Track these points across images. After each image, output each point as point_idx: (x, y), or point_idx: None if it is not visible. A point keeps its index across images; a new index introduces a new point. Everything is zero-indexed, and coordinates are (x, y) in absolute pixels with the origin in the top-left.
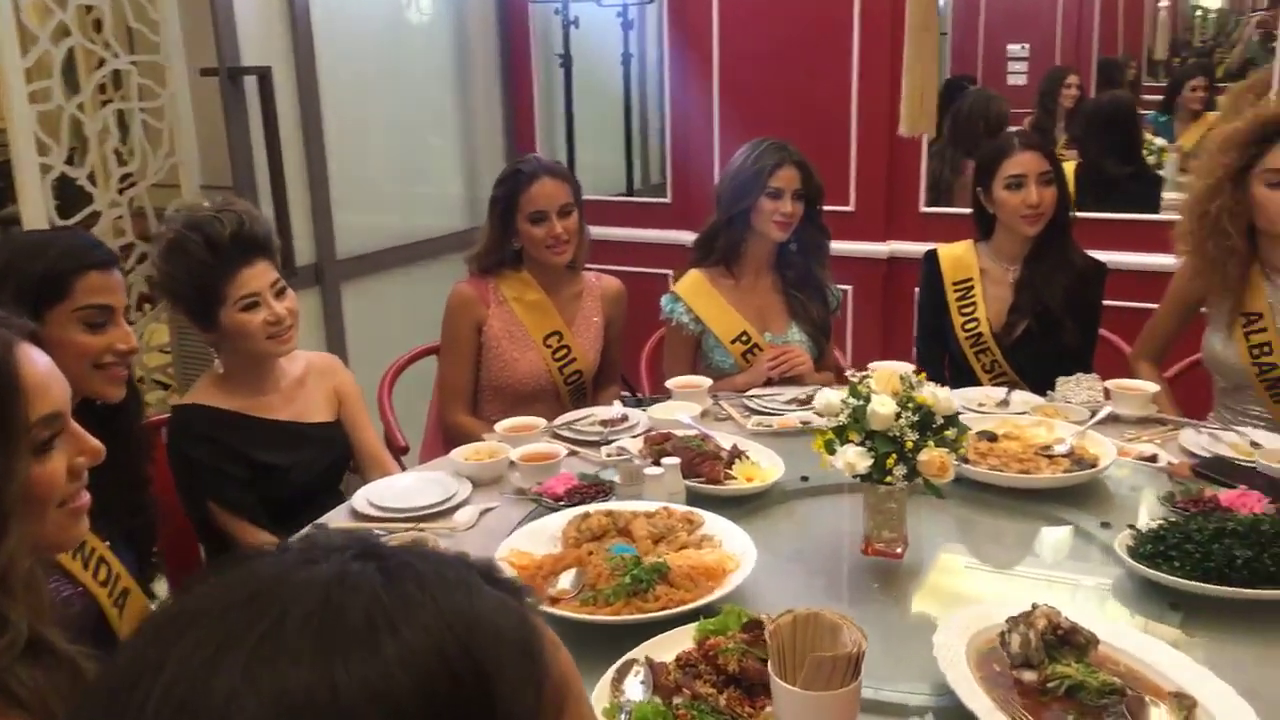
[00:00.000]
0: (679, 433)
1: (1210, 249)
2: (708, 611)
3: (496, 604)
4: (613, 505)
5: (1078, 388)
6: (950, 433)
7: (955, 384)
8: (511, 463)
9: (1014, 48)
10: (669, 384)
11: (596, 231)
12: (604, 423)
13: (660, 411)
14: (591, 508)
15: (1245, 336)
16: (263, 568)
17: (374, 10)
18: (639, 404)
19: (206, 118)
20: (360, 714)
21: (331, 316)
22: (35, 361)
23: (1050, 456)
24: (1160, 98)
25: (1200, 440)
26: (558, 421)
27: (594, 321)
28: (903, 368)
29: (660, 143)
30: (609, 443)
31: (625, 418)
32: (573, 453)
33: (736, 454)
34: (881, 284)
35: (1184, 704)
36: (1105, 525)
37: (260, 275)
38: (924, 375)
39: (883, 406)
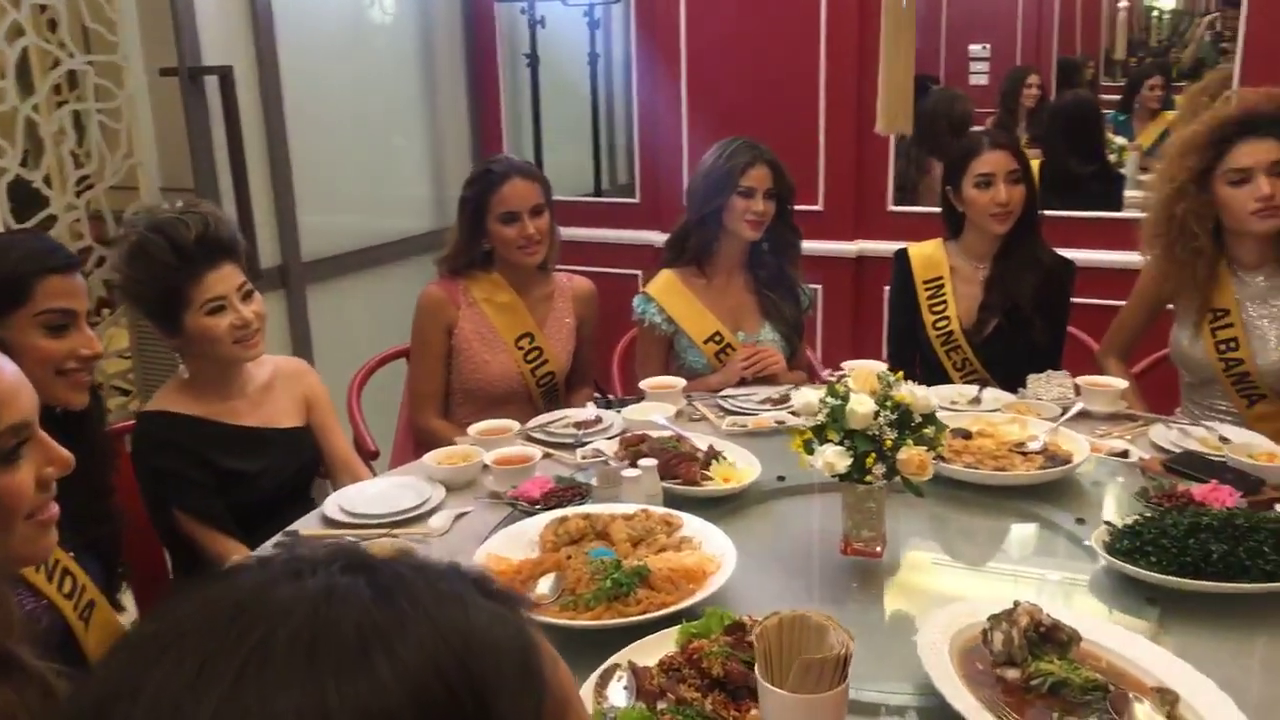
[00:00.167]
0: (654, 434)
1: (1178, 251)
2: (689, 614)
3: (492, 617)
4: (590, 508)
5: (1048, 385)
6: (929, 431)
7: (927, 382)
8: (485, 466)
9: (975, 48)
10: (642, 385)
11: (565, 232)
12: (578, 424)
13: (635, 413)
14: (569, 511)
15: (1212, 333)
16: (245, 583)
17: (337, 9)
18: (611, 405)
19: (166, 118)
20: None
21: (297, 320)
22: (2, 369)
23: (1024, 453)
24: (1118, 97)
25: (1170, 435)
26: (531, 424)
27: (566, 322)
28: (876, 366)
29: (628, 143)
30: (583, 445)
31: (599, 419)
32: (547, 455)
33: (713, 455)
34: (850, 283)
35: (1167, 699)
36: (1080, 521)
37: (226, 278)
38: (901, 374)
39: (861, 405)
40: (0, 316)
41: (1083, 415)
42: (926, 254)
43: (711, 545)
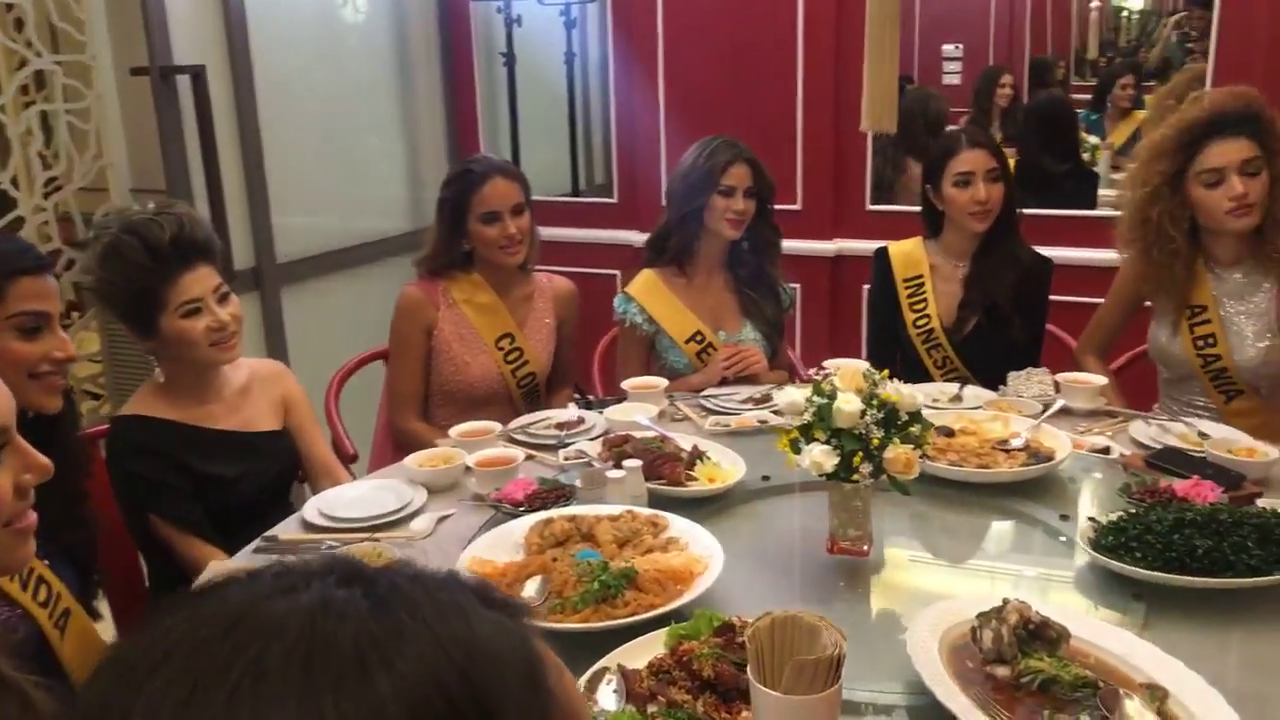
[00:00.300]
0: (638, 434)
1: (1155, 254)
2: (678, 616)
3: (495, 627)
4: (575, 510)
5: (1029, 382)
6: (915, 429)
7: (907, 380)
8: (467, 468)
9: (948, 47)
10: (624, 385)
11: (542, 233)
12: (560, 425)
13: (617, 413)
14: (553, 513)
15: (1190, 329)
16: (237, 597)
17: (311, 8)
18: (592, 406)
19: (137, 119)
20: None
21: (271, 322)
22: None
23: (1007, 451)
24: (1088, 96)
25: (1150, 432)
26: (512, 425)
27: (546, 323)
28: (859, 365)
29: (604, 142)
30: (566, 446)
31: (581, 420)
32: (529, 457)
33: (697, 455)
34: (829, 282)
35: (1156, 695)
36: (1064, 518)
37: (202, 280)
38: (887, 372)
39: (848, 404)
40: None
41: (1063, 412)
42: (906, 252)
43: (698, 546)
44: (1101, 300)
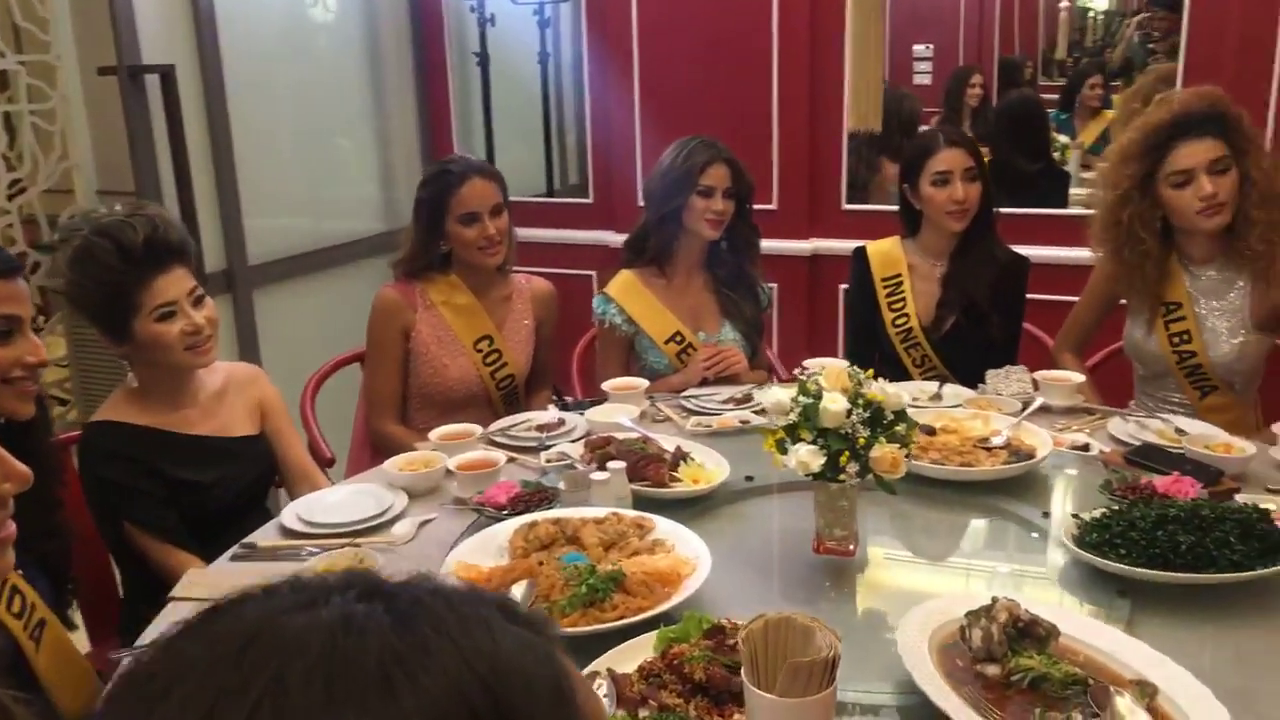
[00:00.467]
0: (620, 436)
1: (1126, 255)
2: (667, 619)
3: (520, 642)
4: (559, 512)
5: (1008, 380)
6: (900, 428)
7: (886, 379)
8: (448, 472)
9: (919, 48)
10: (605, 386)
11: (518, 233)
12: (540, 427)
13: (599, 414)
14: (537, 516)
15: (1165, 326)
16: (251, 614)
17: (282, 7)
18: (572, 407)
19: (103, 119)
20: None
21: (243, 325)
22: None
23: (988, 448)
24: (1056, 96)
25: (1128, 428)
26: (493, 428)
27: (525, 324)
28: (839, 364)
29: (578, 142)
30: (547, 448)
31: (562, 422)
32: (510, 459)
33: (681, 456)
34: (806, 281)
35: (1146, 691)
36: (1046, 515)
37: (177, 283)
38: (872, 372)
39: (834, 404)
40: None
41: (1041, 409)
42: (885, 251)
43: (684, 547)
44: (1075, 298)
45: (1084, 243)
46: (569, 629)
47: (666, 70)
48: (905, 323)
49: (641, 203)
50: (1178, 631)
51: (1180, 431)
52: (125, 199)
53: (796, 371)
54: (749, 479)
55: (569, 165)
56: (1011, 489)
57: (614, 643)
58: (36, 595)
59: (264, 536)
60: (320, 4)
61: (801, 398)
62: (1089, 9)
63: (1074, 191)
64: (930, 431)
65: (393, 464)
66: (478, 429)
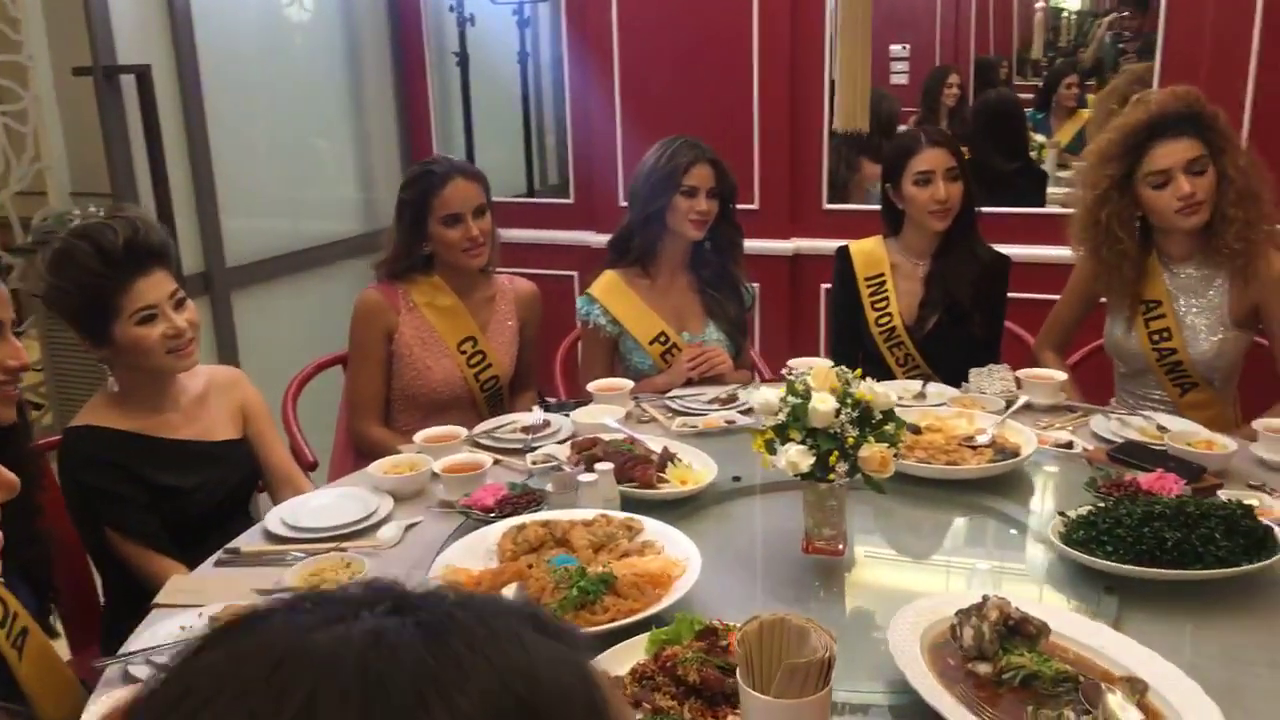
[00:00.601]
0: (606, 437)
1: (1105, 254)
2: (658, 621)
3: (554, 657)
4: (547, 515)
5: (990, 378)
6: (889, 427)
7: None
8: (434, 474)
9: (896, 48)
10: (590, 387)
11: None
12: (525, 429)
13: (584, 416)
14: (525, 518)
15: (1145, 324)
16: (276, 631)
17: (257, 6)
18: (555, 409)
19: (78, 120)
20: None
21: (222, 328)
22: None
23: (974, 447)
24: (1031, 95)
25: (1110, 426)
26: (477, 430)
27: (509, 325)
28: (824, 364)
29: (557, 143)
30: (532, 450)
31: (547, 423)
32: (496, 461)
33: (668, 457)
34: (787, 281)
35: (1136, 688)
36: (1032, 513)
37: (157, 286)
38: (860, 371)
39: (824, 404)
40: None
41: (1024, 407)
42: (867, 251)
43: (674, 549)
44: (1055, 296)
45: (1063, 241)
46: None
47: (647, 70)
48: (888, 322)
49: (624, 203)
50: (1165, 627)
51: (1162, 429)
52: (100, 200)
53: (784, 372)
54: (736, 479)
55: (549, 165)
56: (997, 487)
57: (606, 645)
58: (19, 603)
59: (248, 541)
60: (297, 3)
61: (790, 398)
62: (1062, 9)
63: (1051, 190)
64: (915, 430)
65: (377, 467)
66: (463, 431)
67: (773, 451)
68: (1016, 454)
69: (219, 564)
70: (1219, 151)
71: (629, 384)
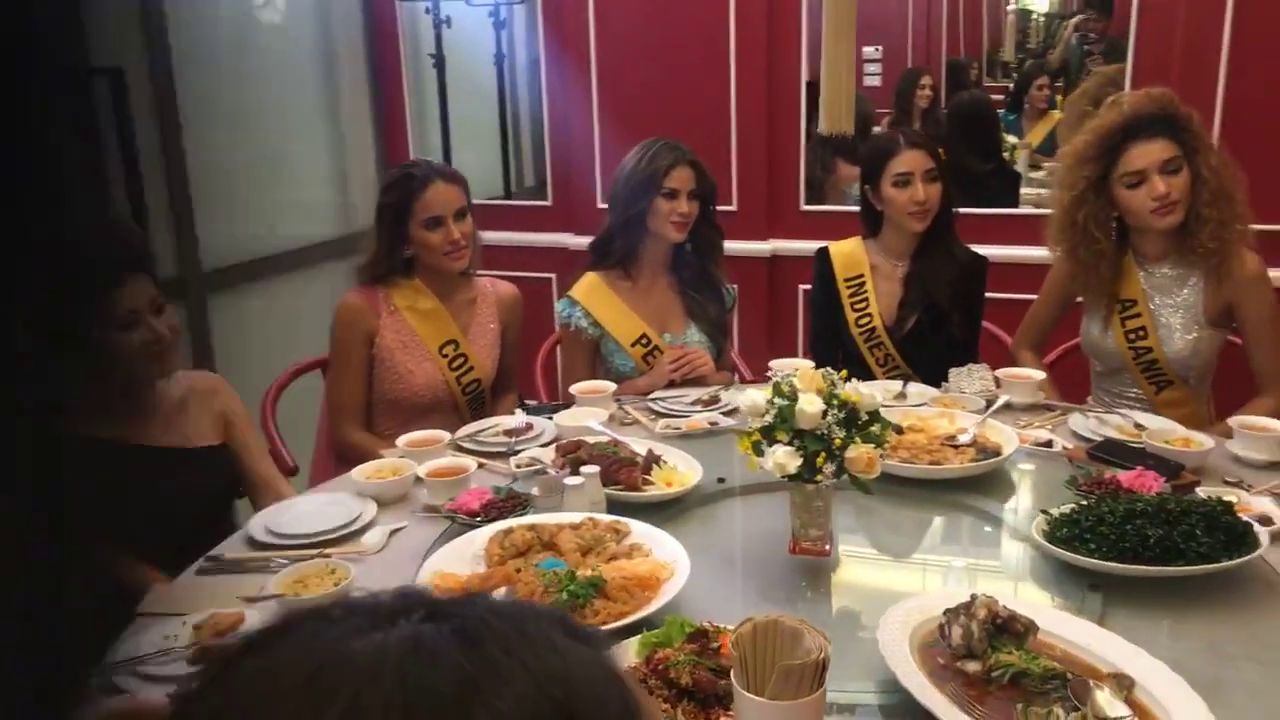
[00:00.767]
0: (590, 440)
1: (1082, 254)
2: (648, 624)
3: (587, 661)
4: (534, 518)
5: (970, 378)
6: (875, 428)
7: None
8: (418, 479)
9: (869, 50)
10: (573, 389)
11: None
12: (508, 432)
13: (568, 418)
14: (512, 522)
15: (1122, 323)
16: (312, 639)
17: (232, 8)
18: (537, 411)
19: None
20: None
21: (197, 333)
22: None
23: (956, 446)
24: (1001, 97)
25: (1089, 424)
26: (460, 433)
27: (490, 328)
28: (805, 365)
29: (533, 145)
30: (516, 453)
31: (530, 426)
32: (479, 465)
33: (654, 459)
34: (766, 282)
35: (1123, 684)
36: (1014, 511)
37: (137, 292)
38: (846, 372)
39: (811, 405)
40: None
41: (1003, 407)
42: (847, 252)
43: (662, 551)
44: (1030, 296)
45: (1037, 241)
46: None
47: (625, 72)
48: (868, 322)
49: (602, 205)
50: (1149, 624)
51: (1139, 426)
52: None
53: (768, 373)
54: (721, 481)
55: (525, 167)
56: (979, 485)
57: None
58: None
59: (230, 548)
60: (271, 5)
61: (777, 399)
62: (1031, 11)
63: (1024, 191)
64: (897, 430)
65: (360, 472)
66: (446, 435)
67: (760, 453)
68: (998, 453)
69: (201, 572)
70: (1193, 152)
71: (612, 386)
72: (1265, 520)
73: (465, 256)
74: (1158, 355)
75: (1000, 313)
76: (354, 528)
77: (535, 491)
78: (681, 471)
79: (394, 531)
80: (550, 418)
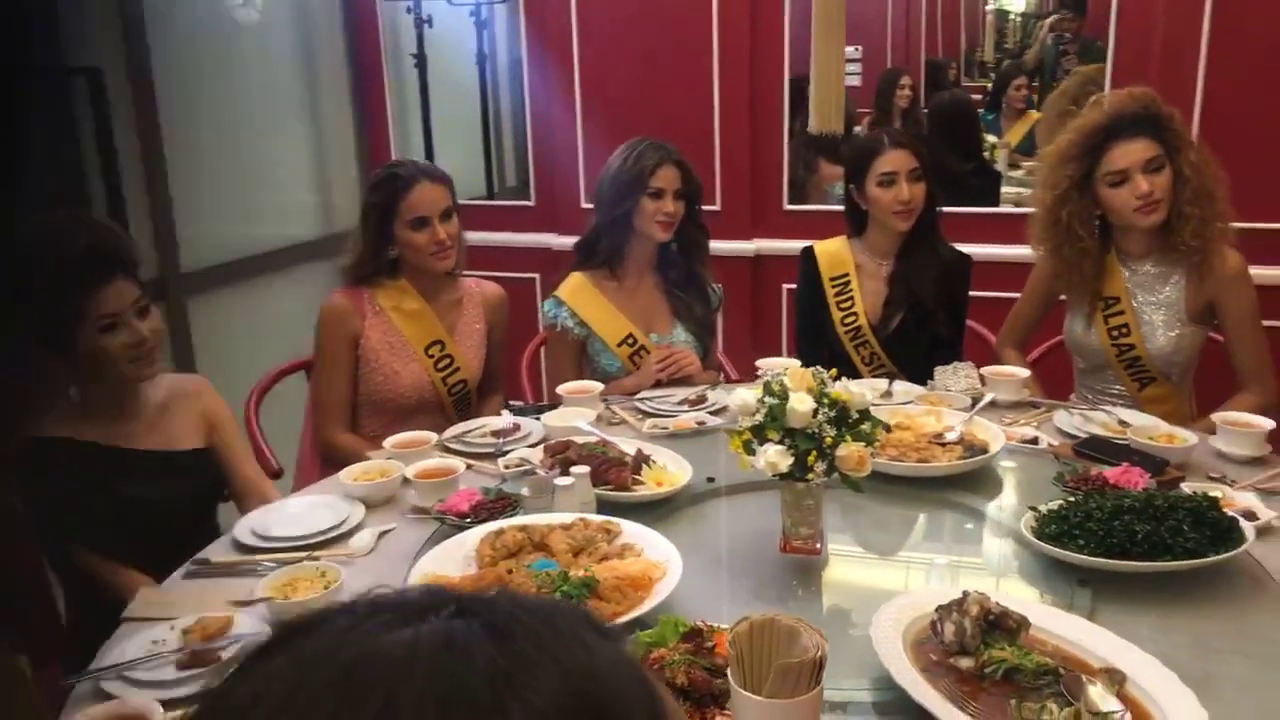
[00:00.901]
0: (579, 440)
1: (1065, 252)
2: (641, 624)
3: (613, 657)
4: (525, 519)
5: (955, 376)
6: (866, 426)
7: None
8: (405, 480)
9: (849, 50)
10: (560, 390)
11: None
12: (496, 433)
13: (556, 419)
14: (503, 523)
15: (1105, 320)
16: (340, 636)
17: (211, 8)
18: (523, 412)
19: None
20: None
21: (178, 335)
22: None
23: (943, 444)
24: (979, 97)
25: (1073, 421)
26: (447, 434)
27: (476, 329)
28: (793, 364)
29: (515, 145)
30: (504, 454)
31: (517, 427)
32: (468, 466)
33: (643, 459)
34: (750, 281)
35: (1115, 679)
36: (1002, 508)
37: (120, 294)
38: (835, 371)
39: (802, 404)
40: None
41: (989, 404)
42: (832, 251)
43: (653, 551)
44: (1011, 294)
45: (1019, 240)
46: None
47: (607, 71)
48: (854, 321)
49: (586, 205)
50: (1137, 619)
51: (1123, 423)
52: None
53: (759, 373)
54: (710, 480)
55: (507, 167)
56: (967, 483)
57: None
58: None
59: (217, 552)
60: (250, 5)
61: (768, 398)
62: (1009, 12)
63: (1004, 190)
64: (885, 428)
65: (348, 474)
66: (433, 436)
67: (751, 452)
68: (985, 450)
69: (188, 575)
70: (1175, 151)
71: (599, 386)
72: (1250, 515)
73: (451, 257)
74: (1140, 352)
75: (982, 311)
76: (342, 530)
77: (525, 492)
78: (671, 471)
79: (383, 533)
80: (538, 418)
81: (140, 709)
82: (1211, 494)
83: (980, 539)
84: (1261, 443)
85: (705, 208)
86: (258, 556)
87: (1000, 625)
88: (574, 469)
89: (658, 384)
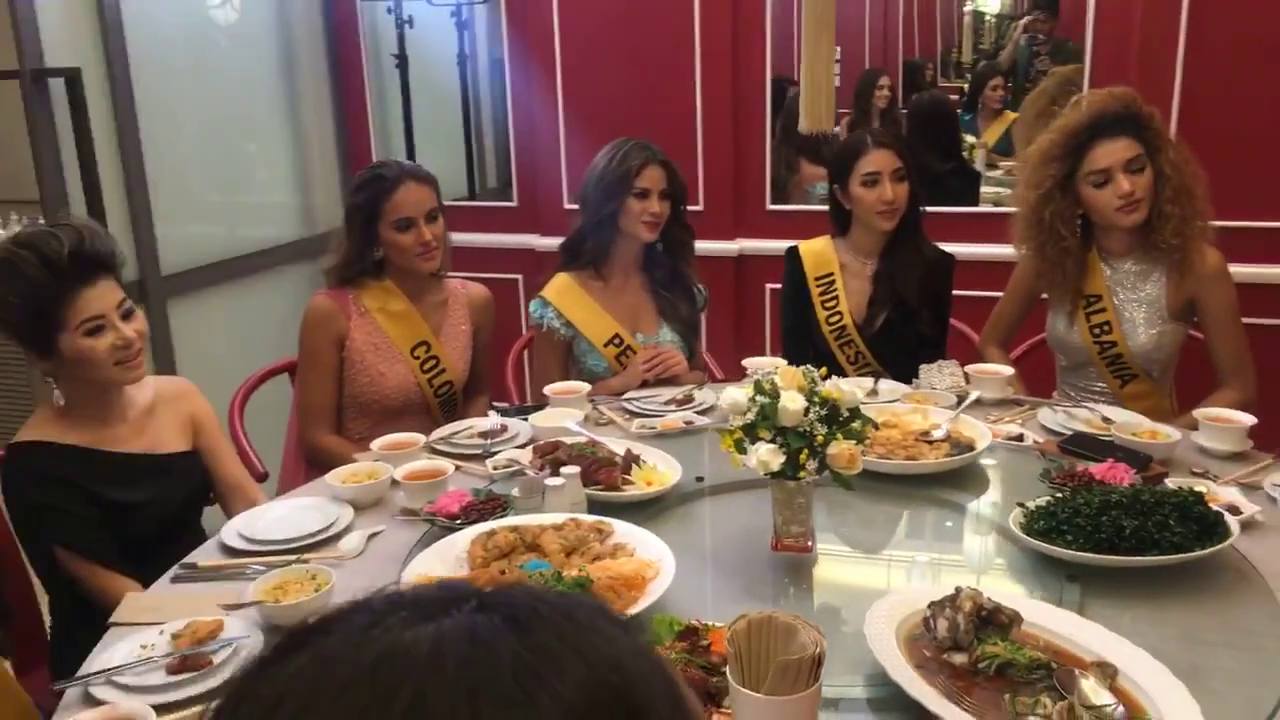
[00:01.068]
0: (567, 440)
1: (1048, 251)
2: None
3: (635, 649)
4: (516, 519)
5: (940, 374)
6: (857, 424)
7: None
8: (394, 482)
9: None
10: (547, 390)
11: None
12: (483, 434)
13: (544, 419)
14: (494, 524)
15: (1086, 318)
16: (361, 633)
17: (191, 9)
18: (514, 412)
19: (4, 125)
20: None
21: (158, 338)
22: None
23: (930, 441)
24: (956, 97)
25: (1058, 418)
26: (434, 436)
27: (462, 330)
28: (780, 363)
29: (497, 145)
30: (491, 455)
31: (505, 428)
32: (456, 467)
33: (633, 459)
34: (733, 281)
35: (1107, 672)
36: (990, 504)
37: (104, 295)
38: (825, 369)
39: (793, 402)
40: None
41: (974, 402)
42: (817, 251)
43: (646, 550)
44: (992, 293)
45: (1000, 239)
46: None
47: (589, 71)
48: (839, 320)
49: (569, 205)
50: (1126, 613)
51: (1107, 420)
52: (27, 208)
53: (750, 372)
54: (700, 479)
55: (489, 168)
56: (954, 480)
57: None
58: None
59: (205, 556)
60: (229, 6)
61: (759, 397)
62: (983, 13)
63: (982, 190)
64: (874, 427)
65: (335, 476)
66: (421, 438)
67: (742, 451)
68: (971, 448)
69: (176, 579)
70: (1155, 150)
71: (586, 387)
72: (1234, 510)
73: (436, 258)
74: (1122, 349)
75: (964, 310)
76: (331, 532)
77: (515, 493)
78: (661, 470)
79: (372, 535)
80: (525, 419)
81: (132, 714)
82: (1196, 489)
83: (968, 535)
84: (1243, 438)
85: (689, 208)
86: (246, 560)
87: (993, 621)
88: (564, 469)
89: (644, 384)
